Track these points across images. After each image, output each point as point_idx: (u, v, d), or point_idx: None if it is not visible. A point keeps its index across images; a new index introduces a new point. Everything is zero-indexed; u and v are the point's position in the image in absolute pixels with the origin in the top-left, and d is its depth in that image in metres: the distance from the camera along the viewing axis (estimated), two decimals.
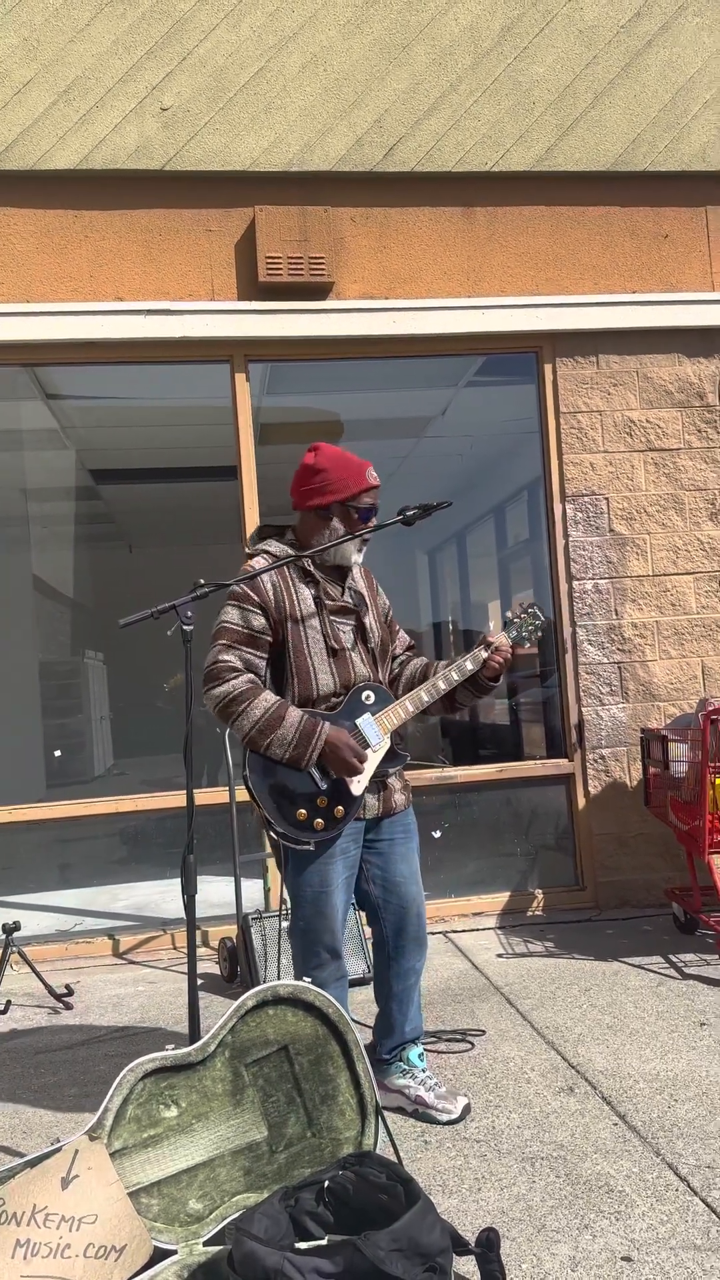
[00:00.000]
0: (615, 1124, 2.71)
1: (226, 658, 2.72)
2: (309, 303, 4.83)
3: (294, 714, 2.67)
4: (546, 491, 5.15)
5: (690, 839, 4.21)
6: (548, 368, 5.11)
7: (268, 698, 2.69)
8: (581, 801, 5.06)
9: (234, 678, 2.69)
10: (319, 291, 4.86)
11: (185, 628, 2.61)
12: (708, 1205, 2.27)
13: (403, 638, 3.09)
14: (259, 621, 2.75)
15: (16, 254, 4.71)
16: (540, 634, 3.04)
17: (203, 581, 2.66)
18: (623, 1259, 2.09)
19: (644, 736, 4.71)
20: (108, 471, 7.58)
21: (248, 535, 4.90)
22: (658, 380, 5.14)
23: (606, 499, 5.09)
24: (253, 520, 4.92)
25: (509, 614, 3.05)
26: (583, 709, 5.04)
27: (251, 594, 2.76)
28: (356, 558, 2.88)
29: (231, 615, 2.76)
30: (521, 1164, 2.52)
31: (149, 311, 4.73)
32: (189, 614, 2.59)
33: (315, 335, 4.85)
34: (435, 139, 4.89)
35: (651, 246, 5.14)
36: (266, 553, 2.85)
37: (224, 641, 2.74)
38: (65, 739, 8.85)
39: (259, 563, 2.80)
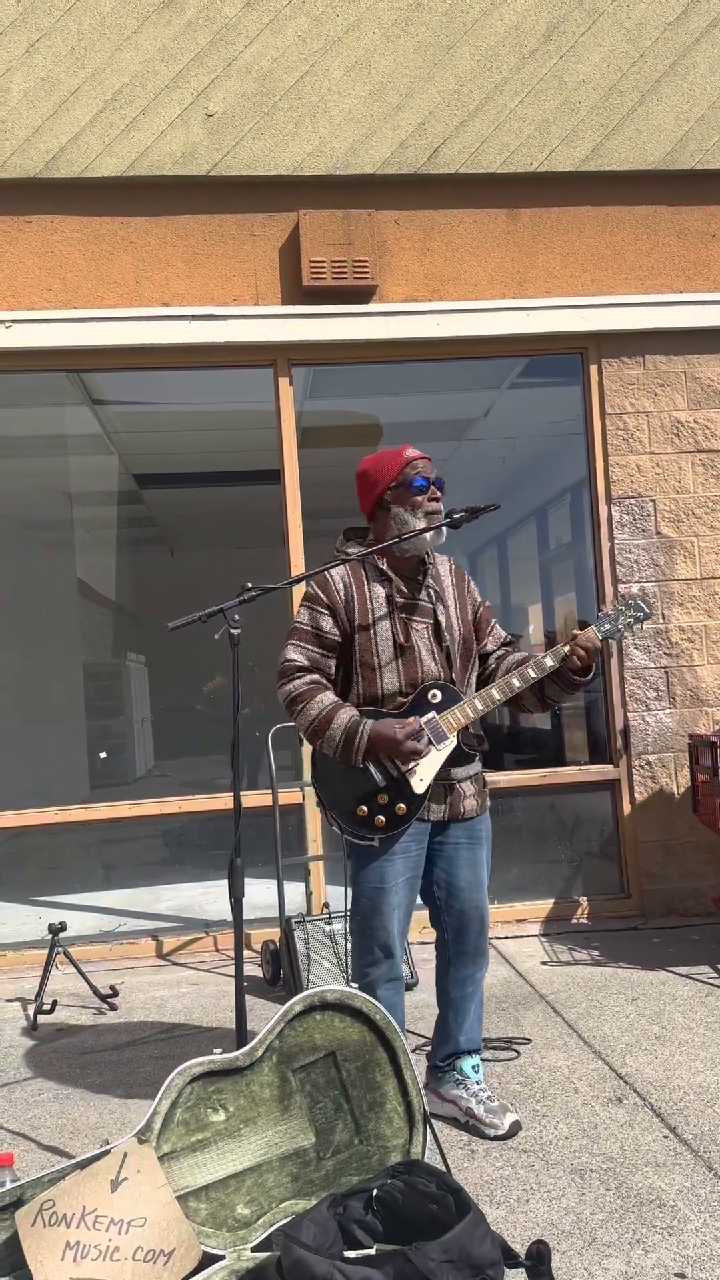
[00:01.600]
0: (665, 1136, 2.66)
1: (294, 657, 2.79)
2: (352, 306, 4.83)
3: (342, 716, 2.68)
4: (591, 493, 5.10)
5: None
6: (593, 369, 5.06)
7: (323, 700, 2.70)
8: (627, 808, 5.00)
9: (298, 678, 2.75)
10: (363, 295, 4.85)
11: (233, 631, 2.61)
12: None
13: (497, 634, 3.00)
14: (326, 622, 2.79)
15: (64, 261, 4.76)
16: (640, 625, 2.88)
17: (250, 585, 2.67)
18: (676, 1275, 2.05)
19: (692, 743, 4.64)
20: (151, 476, 7.65)
21: (290, 539, 4.91)
22: (706, 380, 5.08)
23: (653, 501, 5.03)
24: (295, 524, 4.92)
25: (603, 607, 2.95)
26: (628, 714, 4.98)
27: (321, 595, 2.81)
28: (434, 539, 2.81)
29: (302, 615, 2.83)
30: (570, 1175, 2.49)
31: (193, 317, 4.75)
32: (236, 618, 2.60)
33: (358, 339, 4.85)
34: (480, 140, 4.87)
35: (699, 245, 5.07)
36: (344, 554, 2.86)
37: (294, 641, 2.81)
38: (107, 740, 8.93)
39: (336, 567, 2.82)
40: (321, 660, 2.79)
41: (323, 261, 4.76)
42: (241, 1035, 2.47)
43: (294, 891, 5.09)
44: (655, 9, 4.96)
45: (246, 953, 4.74)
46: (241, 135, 4.76)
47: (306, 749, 4.64)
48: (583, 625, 2.84)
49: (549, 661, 2.78)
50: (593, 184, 5.01)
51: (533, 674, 2.77)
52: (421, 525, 2.78)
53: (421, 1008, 3.70)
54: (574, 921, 4.94)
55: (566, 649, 2.77)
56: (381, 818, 2.69)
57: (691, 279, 5.07)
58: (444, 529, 2.83)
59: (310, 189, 4.84)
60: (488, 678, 2.94)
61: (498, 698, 2.76)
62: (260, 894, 4.93)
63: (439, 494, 2.84)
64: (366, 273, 4.79)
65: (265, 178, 4.79)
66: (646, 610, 2.88)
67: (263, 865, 4.52)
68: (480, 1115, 2.76)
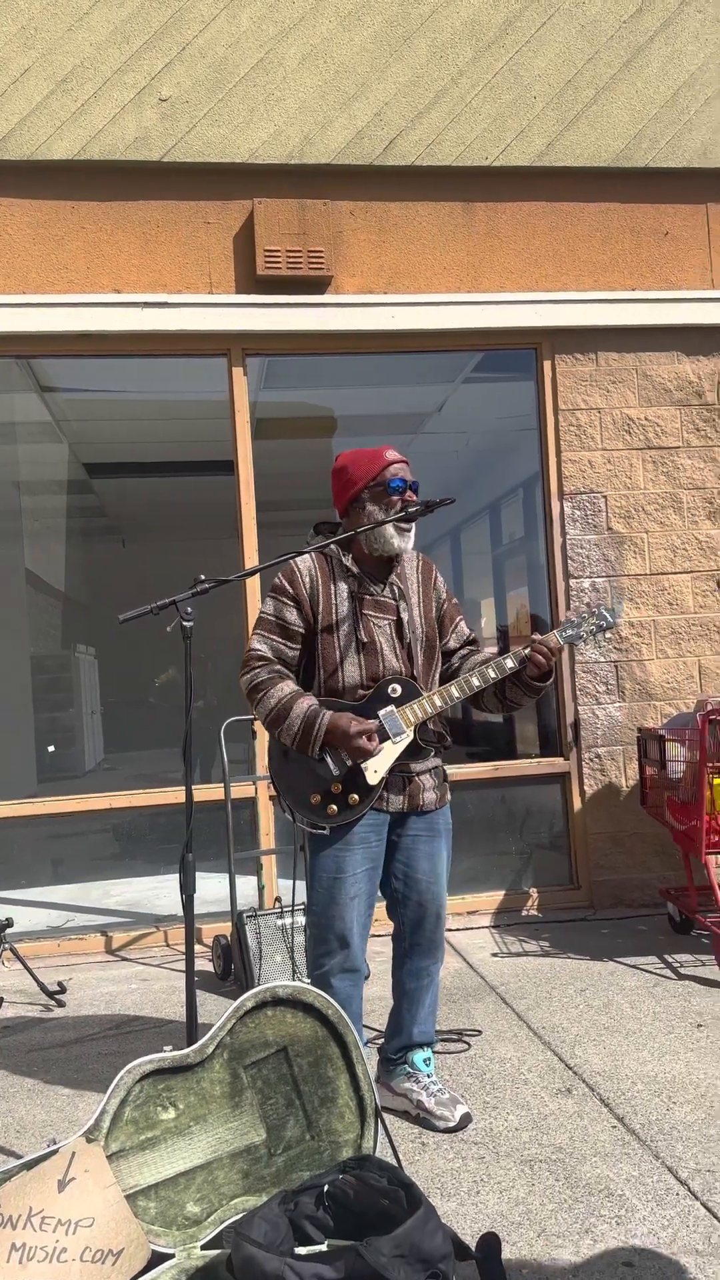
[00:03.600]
0: (614, 1126, 2.69)
1: (258, 647, 2.82)
2: (308, 296, 4.80)
3: (302, 705, 2.69)
4: (544, 489, 5.13)
5: (687, 839, 4.20)
6: (547, 364, 5.08)
7: (283, 689, 2.72)
8: (577, 800, 5.05)
9: (260, 666, 2.78)
10: (318, 285, 4.82)
11: (185, 624, 2.59)
12: (709, 1210, 2.25)
13: (460, 632, 3.01)
14: (291, 614, 2.81)
15: (12, 245, 4.66)
16: (605, 634, 2.95)
17: (203, 578, 2.65)
18: (624, 1264, 2.07)
19: (641, 736, 4.70)
20: (102, 465, 7.54)
21: (244, 531, 4.87)
22: (657, 378, 5.13)
23: (605, 497, 5.07)
24: (249, 515, 4.88)
25: (567, 613, 2.99)
26: (579, 708, 5.02)
27: (288, 586, 2.83)
28: (398, 541, 2.82)
29: (268, 606, 2.85)
30: (520, 1167, 2.51)
31: (145, 304, 4.69)
32: (189, 610, 2.58)
33: (313, 330, 4.82)
34: (436, 133, 4.86)
35: (652, 243, 5.12)
36: (312, 546, 2.86)
37: (259, 631, 2.84)
38: (56, 733, 8.80)
39: (303, 560, 2.83)
40: (285, 651, 2.82)
41: (278, 251, 4.72)
42: (192, 1032, 2.45)
43: (246, 886, 5.06)
44: (610, 6, 4.98)
45: (198, 948, 4.70)
46: (195, 121, 4.70)
47: (261, 743, 4.62)
48: (535, 620, 2.88)
49: (509, 663, 2.80)
50: (548, 179, 5.03)
51: (492, 674, 2.79)
52: (387, 520, 2.78)
53: (374, 1000, 3.70)
54: (525, 913, 4.97)
55: (527, 651, 2.79)
56: (334, 806, 2.71)
57: (644, 277, 5.11)
58: (412, 530, 2.84)
59: (265, 177, 4.80)
60: (449, 675, 2.96)
61: (456, 695, 2.78)
62: (212, 888, 4.89)
63: (414, 497, 2.85)
64: (322, 263, 4.76)
65: (220, 165, 4.74)
66: (611, 620, 2.92)
67: (215, 859, 4.48)
68: (431, 1108, 2.77)
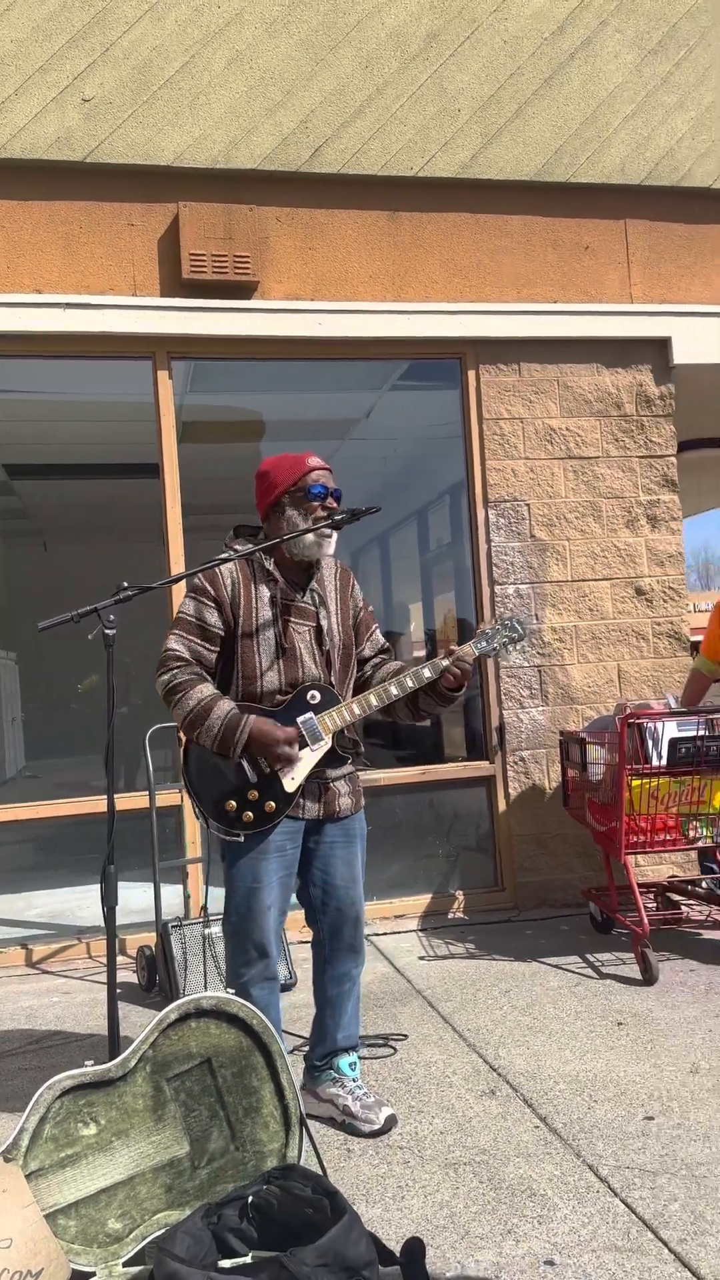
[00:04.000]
0: (537, 1127, 2.73)
1: (176, 647, 2.77)
2: (234, 301, 4.78)
3: (223, 707, 2.68)
4: (469, 496, 5.19)
5: (607, 840, 4.29)
6: (471, 374, 5.15)
7: (203, 690, 2.70)
8: (502, 803, 5.11)
9: (177, 667, 2.74)
10: (244, 290, 4.81)
11: (107, 631, 2.56)
12: (628, 1206, 2.30)
13: (376, 640, 3.04)
14: (212, 615, 2.78)
15: None
16: (518, 647, 2.99)
17: (126, 585, 2.62)
18: (545, 1263, 2.11)
19: (562, 739, 4.78)
20: (23, 466, 7.39)
21: (169, 535, 4.83)
22: (578, 389, 5.23)
23: (528, 505, 5.15)
24: (175, 519, 4.84)
25: (481, 625, 3.03)
26: (504, 712, 5.09)
27: (209, 587, 2.79)
28: (318, 548, 2.82)
29: (187, 607, 2.81)
30: (445, 1170, 2.53)
31: (68, 305, 4.62)
32: (111, 618, 2.55)
33: (239, 334, 4.81)
34: (361, 142, 4.89)
35: (573, 257, 5.22)
36: (232, 549, 2.84)
37: (177, 631, 2.79)
38: None
39: (225, 565, 2.81)
40: (204, 653, 2.78)
41: (203, 255, 4.70)
42: (114, 1045, 2.42)
43: (172, 895, 5.01)
44: (531, 24, 5.07)
45: (122, 959, 4.64)
46: (120, 122, 4.65)
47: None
48: (462, 624, 2.91)
49: (426, 673, 2.83)
50: (472, 191, 5.09)
51: (410, 684, 2.81)
52: (306, 530, 2.79)
53: (300, 1008, 3.70)
54: (450, 916, 5.02)
55: (445, 662, 2.82)
56: (249, 814, 2.70)
57: (565, 290, 5.21)
58: (334, 537, 2.85)
59: (190, 181, 4.77)
60: (363, 683, 2.98)
61: (375, 703, 2.79)
62: (137, 898, 4.83)
63: (335, 504, 2.85)
64: (248, 268, 4.74)
65: (144, 167, 4.69)
66: (522, 631, 2.97)
67: (140, 868, 4.43)
68: (356, 1112, 2.78)
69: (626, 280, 5.28)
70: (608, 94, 5.16)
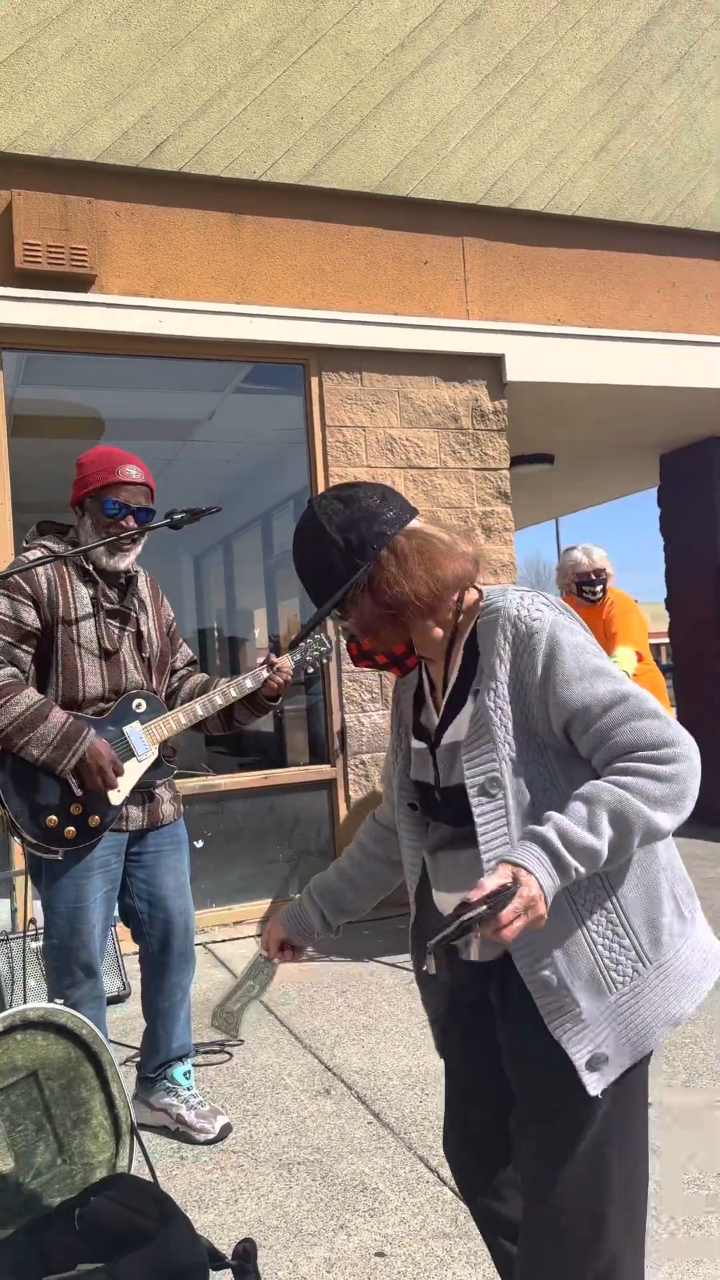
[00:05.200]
0: (370, 1122, 2.77)
1: None
2: (70, 294, 4.65)
3: (59, 714, 2.56)
4: None
5: None
6: (314, 380, 5.19)
7: (31, 694, 2.56)
8: (342, 807, 5.16)
9: None
10: (81, 283, 4.69)
11: None
12: (455, 1193, 2.36)
13: (185, 652, 3.00)
14: (29, 615, 2.62)
15: None
16: (326, 660, 3.05)
17: None
18: (376, 1254, 2.14)
19: None
20: None
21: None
22: (417, 401, 5.35)
23: None
24: (4, 516, 4.67)
25: (295, 637, 3.04)
26: (345, 715, 5.14)
27: (25, 585, 2.62)
28: (111, 561, 2.70)
29: (1, 606, 2.61)
30: (279, 1171, 2.53)
31: None
32: None
33: (76, 328, 4.68)
34: (204, 141, 4.86)
35: (413, 271, 5.35)
36: (44, 547, 2.71)
37: None
38: None
39: (35, 555, 2.65)
40: (19, 655, 2.62)
41: (38, 245, 4.55)
42: None
43: None
44: (374, 38, 5.17)
45: None
46: None
47: None
48: (273, 642, 2.93)
49: (249, 683, 2.83)
50: (314, 199, 5.14)
51: (234, 694, 2.80)
52: (98, 543, 2.61)
53: (134, 1019, 3.62)
54: None
55: (266, 673, 2.83)
56: (72, 829, 2.58)
57: (405, 303, 5.33)
58: (133, 551, 2.73)
59: (25, 169, 4.62)
60: (171, 694, 2.94)
61: (200, 713, 2.77)
62: None
63: (130, 526, 2.69)
64: (85, 261, 4.63)
65: None
66: (329, 645, 3.02)
67: None
68: (191, 1121, 2.74)
69: (464, 297, 5.45)
70: (447, 114, 5.31)
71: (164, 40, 4.79)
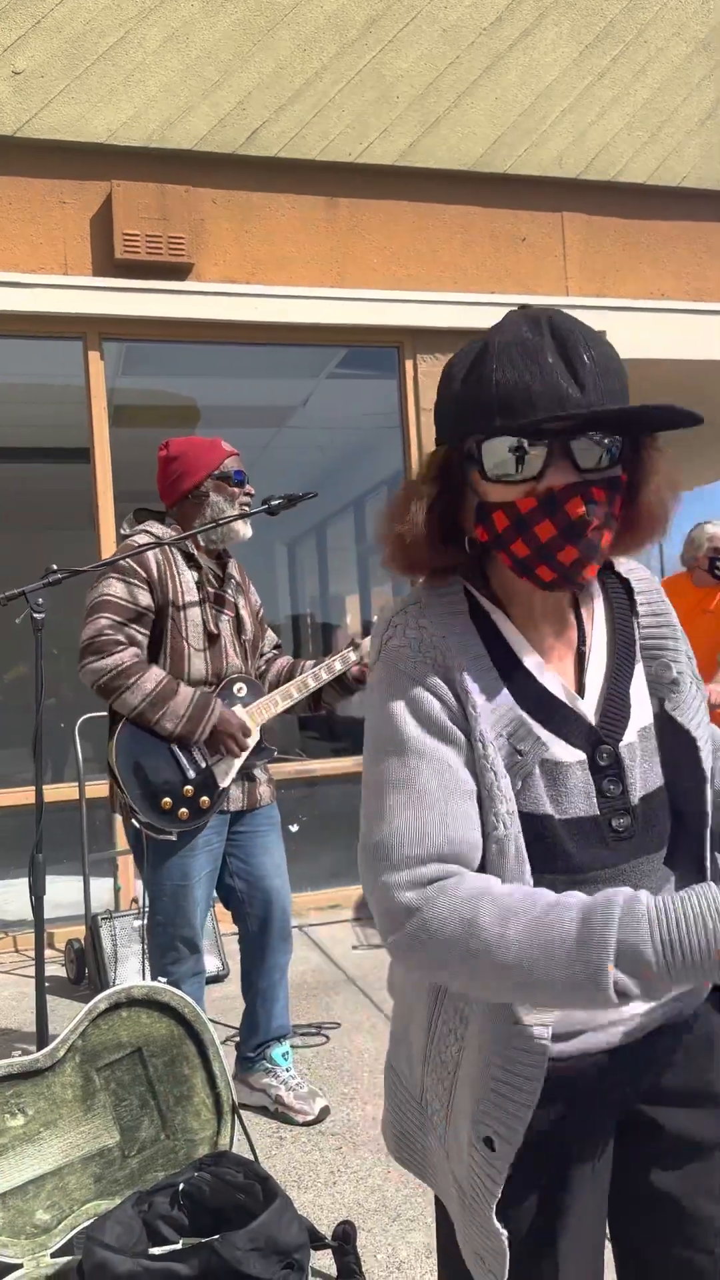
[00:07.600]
0: None
1: (110, 631, 2.64)
2: (168, 283, 4.71)
3: (186, 689, 2.63)
4: None
5: None
6: (409, 363, 5.15)
7: (158, 671, 2.63)
8: None
9: (121, 650, 2.61)
10: (178, 272, 4.74)
11: (35, 615, 2.50)
12: None
13: (270, 636, 3.05)
14: (144, 598, 2.68)
15: None
16: None
17: (55, 568, 2.56)
18: None
19: None
20: None
21: (100, 521, 4.74)
22: None
23: None
24: (106, 505, 4.76)
25: None
26: None
27: (139, 569, 2.69)
28: (246, 531, 2.82)
29: (117, 589, 2.66)
30: (376, 1155, 2.53)
31: None
32: (40, 601, 2.49)
33: (174, 317, 4.73)
34: (299, 126, 4.84)
35: (509, 249, 5.25)
36: (148, 532, 2.77)
37: (107, 614, 2.65)
38: None
39: (143, 539, 2.72)
40: (137, 636, 2.68)
41: (137, 235, 4.61)
42: (42, 1036, 2.37)
43: (102, 888, 4.93)
44: (471, 13, 5.08)
45: (51, 953, 4.55)
46: (51, 97, 4.53)
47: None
48: (332, 628, 2.96)
49: (338, 665, 2.85)
50: (410, 179, 5.08)
51: (325, 676, 2.83)
52: (234, 516, 2.76)
53: (234, 999, 3.67)
54: None
55: (354, 655, 2.85)
56: (185, 810, 2.65)
57: (501, 281, 5.24)
58: (249, 522, 2.83)
59: (124, 159, 4.68)
60: (258, 677, 2.98)
61: (297, 696, 2.80)
62: (66, 891, 4.74)
63: (251, 490, 2.86)
64: (183, 250, 4.67)
65: (76, 144, 4.59)
66: None
67: (69, 861, 4.35)
68: (289, 1102, 2.76)
69: (563, 274, 5.33)
70: (546, 86, 5.19)
71: (259, 25, 4.79)
